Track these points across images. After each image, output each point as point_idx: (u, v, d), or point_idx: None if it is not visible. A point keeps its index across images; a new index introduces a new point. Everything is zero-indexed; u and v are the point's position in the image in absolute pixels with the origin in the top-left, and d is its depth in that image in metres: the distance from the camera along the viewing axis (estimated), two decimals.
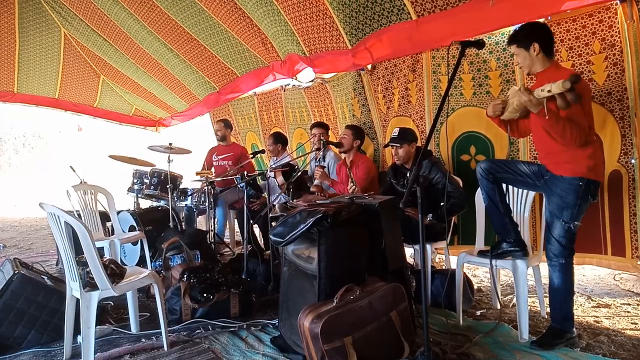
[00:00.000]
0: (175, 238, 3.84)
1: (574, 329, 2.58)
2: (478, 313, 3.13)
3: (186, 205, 5.06)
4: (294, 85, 5.63)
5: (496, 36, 3.47)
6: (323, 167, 4.15)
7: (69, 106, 8.42)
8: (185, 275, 3.22)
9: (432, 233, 3.26)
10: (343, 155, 4.33)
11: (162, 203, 5.10)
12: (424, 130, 4.12)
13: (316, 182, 4.15)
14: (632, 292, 3.54)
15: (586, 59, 3.04)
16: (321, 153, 4.15)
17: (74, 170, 4.90)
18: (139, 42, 6.20)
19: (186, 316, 3.07)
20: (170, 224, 4.69)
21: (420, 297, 2.24)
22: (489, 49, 3.53)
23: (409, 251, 3.78)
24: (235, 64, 5.71)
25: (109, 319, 3.15)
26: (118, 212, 4.53)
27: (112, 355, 2.62)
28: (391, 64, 4.31)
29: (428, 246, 3.23)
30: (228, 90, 6.25)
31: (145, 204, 5.42)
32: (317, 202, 2.77)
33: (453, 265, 3.30)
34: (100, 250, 3.25)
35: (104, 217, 4.45)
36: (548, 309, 2.75)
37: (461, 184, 3.49)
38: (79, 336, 2.52)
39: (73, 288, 2.57)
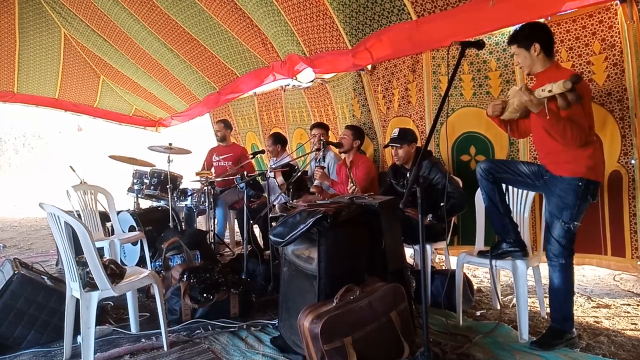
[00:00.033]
0: (175, 238, 3.84)
1: (574, 330, 2.58)
2: (478, 313, 3.13)
3: (186, 205, 5.06)
4: (294, 85, 5.63)
5: (496, 37, 3.47)
6: (323, 168, 4.15)
7: (69, 106, 8.42)
8: (185, 276, 3.22)
9: (432, 233, 3.26)
10: (343, 156, 4.33)
11: (162, 203, 5.10)
12: (424, 130, 4.12)
13: (316, 182, 4.15)
14: (632, 292, 3.54)
15: (586, 59, 3.04)
16: (321, 153, 4.15)
17: (74, 170, 4.90)
18: (139, 43, 6.20)
19: (186, 316, 3.07)
20: (170, 224, 4.69)
21: (420, 297, 2.24)
22: (489, 49, 3.53)
23: (408, 251, 3.79)
24: (236, 64, 5.71)
25: (109, 319, 3.15)
26: (118, 212, 4.53)
27: (112, 356, 2.62)
28: (391, 64, 4.31)
29: (428, 246, 3.23)
30: (228, 90, 6.25)
31: (145, 204, 5.42)
32: (317, 202, 2.77)
33: (453, 266, 3.30)
34: (100, 251, 3.25)
35: (104, 217, 4.45)
36: (548, 310, 2.75)
37: (461, 185, 3.49)
38: (78, 336, 2.52)
39: (73, 288, 2.57)
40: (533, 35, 2.47)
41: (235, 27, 5.03)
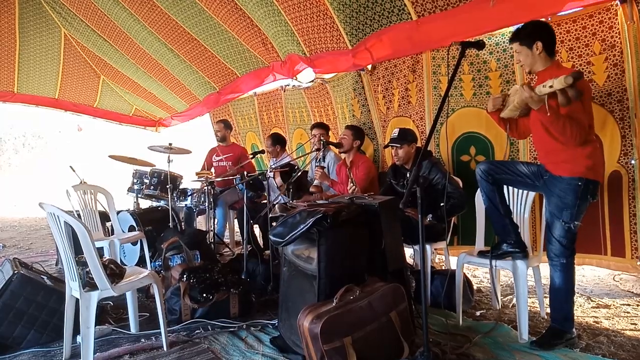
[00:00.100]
0: (175, 238, 3.84)
1: (574, 330, 2.58)
2: (478, 313, 3.13)
3: (186, 205, 5.06)
4: (294, 85, 5.63)
5: (496, 37, 3.47)
6: (323, 168, 4.15)
7: (69, 106, 8.42)
8: (184, 276, 3.22)
9: (432, 233, 3.26)
10: (343, 156, 4.33)
11: (161, 203, 5.10)
12: (424, 130, 4.12)
13: (316, 182, 4.15)
14: (632, 292, 3.54)
15: (586, 59, 3.04)
16: (321, 153, 4.15)
17: (74, 170, 4.90)
18: (139, 42, 6.20)
19: (186, 316, 3.07)
20: (170, 224, 4.69)
21: (420, 297, 2.24)
22: (489, 49, 3.53)
23: (408, 251, 3.79)
24: (236, 64, 5.71)
25: (109, 319, 3.15)
26: (118, 212, 4.53)
27: (112, 355, 2.62)
28: (391, 64, 4.31)
29: (428, 246, 3.23)
30: (228, 90, 6.25)
31: (145, 204, 5.42)
32: (317, 202, 2.77)
33: (453, 266, 3.30)
34: (99, 250, 3.26)
35: (104, 217, 4.45)
36: (548, 310, 2.75)
37: (461, 185, 3.49)
38: (78, 336, 2.52)
39: (72, 288, 2.57)
40: (536, 34, 2.47)
41: (236, 27, 5.03)
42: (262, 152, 5.04)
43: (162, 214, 4.88)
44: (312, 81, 5.27)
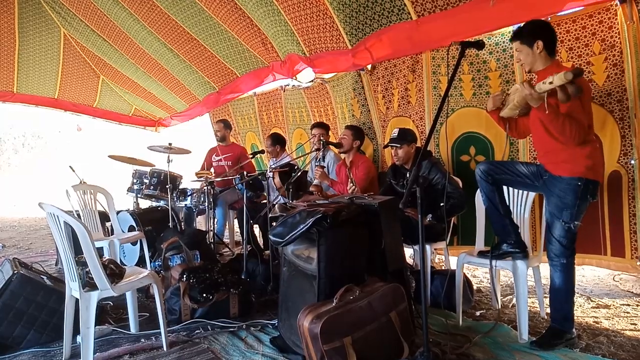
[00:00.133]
0: (174, 238, 3.84)
1: (574, 330, 2.58)
2: (477, 313, 3.13)
3: (185, 205, 5.05)
4: (293, 85, 5.63)
5: (496, 37, 3.47)
6: (323, 167, 4.15)
7: (69, 106, 8.42)
8: (184, 276, 3.21)
9: (432, 233, 3.25)
10: (343, 156, 4.33)
11: (161, 203, 5.10)
12: (423, 130, 4.12)
13: (316, 182, 4.15)
14: (632, 292, 3.54)
15: (586, 59, 3.04)
16: (321, 153, 4.15)
17: (74, 170, 4.90)
18: (138, 42, 6.20)
19: (185, 316, 3.07)
20: (170, 224, 4.69)
21: (420, 297, 2.24)
22: (488, 49, 3.53)
23: (408, 251, 3.79)
24: (235, 64, 5.71)
25: (108, 319, 3.15)
26: (117, 212, 4.53)
27: (112, 355, 2.62)
28: (391, 64, 4.31)
29: (428, 247, 3.23)
30: (228, 90, 6.25)
31: (144, 204, 5.42)
32: (317, 202, 2.77)
33: (453, 266, 3.30)
34: (99, 250, 3.25)
35: (104, 217, 4.45)
36: (548, 310, 2.75)
37: (461, 185, 3.49)
38: (78, 336, 2.52)
39: (72, 288, 2.57)
40: (537, 33, 2.47)
41: (235, 27, 5.03)
42: (262, 152, 5.04)
43: (162, 214, 4.88)
44: (312, 81, 5.27)
